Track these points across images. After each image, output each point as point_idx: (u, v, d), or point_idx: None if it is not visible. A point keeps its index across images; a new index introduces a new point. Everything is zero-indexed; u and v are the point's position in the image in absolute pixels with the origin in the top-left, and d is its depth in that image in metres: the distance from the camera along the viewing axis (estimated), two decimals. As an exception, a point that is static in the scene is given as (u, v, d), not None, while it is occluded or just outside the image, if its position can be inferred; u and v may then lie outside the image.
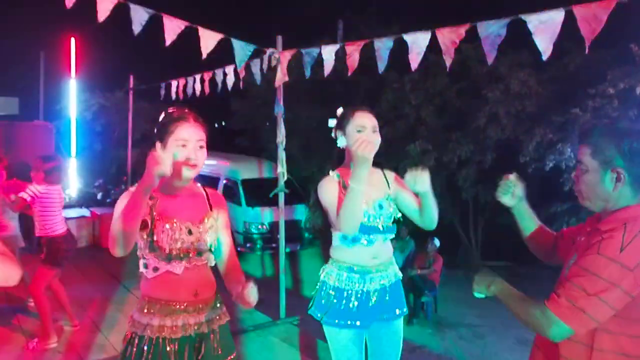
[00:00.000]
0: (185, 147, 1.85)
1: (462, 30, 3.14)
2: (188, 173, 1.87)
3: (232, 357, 2.03)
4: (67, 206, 10.75)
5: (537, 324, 1.56)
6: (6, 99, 19.40)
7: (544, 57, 2.83)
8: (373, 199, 2.34)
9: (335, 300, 2.33)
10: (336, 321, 2.31)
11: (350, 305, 2.31)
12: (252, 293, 1.76)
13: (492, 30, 2.99)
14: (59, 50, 14.52)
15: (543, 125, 8.63)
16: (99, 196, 14.22)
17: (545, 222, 2.05)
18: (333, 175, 2.36)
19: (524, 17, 2.90)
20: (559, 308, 1.51)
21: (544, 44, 2.82)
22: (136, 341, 1.88)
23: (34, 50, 17.04)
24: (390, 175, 2.50)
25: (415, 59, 3.40)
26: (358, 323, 2.32)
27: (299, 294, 7.19)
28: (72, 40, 13.84)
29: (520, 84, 8.77)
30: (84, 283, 6.20)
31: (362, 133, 2.28)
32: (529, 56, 8.77)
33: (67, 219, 8.56)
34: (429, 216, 2.33)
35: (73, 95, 13.96)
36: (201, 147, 1.89)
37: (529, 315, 1.59)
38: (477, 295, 1.79)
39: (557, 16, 2.81)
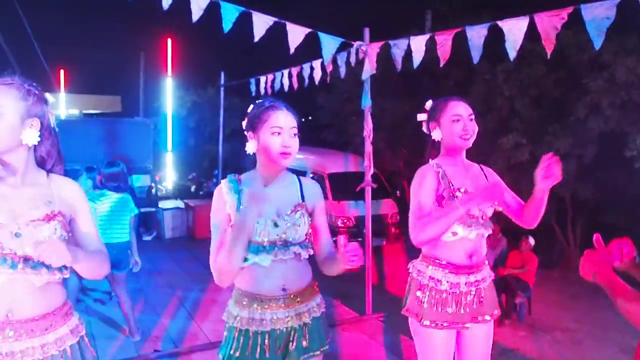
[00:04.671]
0: (279, 135, 1.84)
1: (564, 14, 2.92)
2: (282, 161, 1.87)
3: (323, 349, 2.00)
4: (163, 198, 11.37)
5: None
6: (110, 98, 20.84)
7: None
8: (474, 188, 2.22)
9: (427, 300, 2.23)
10: (428, 322, 2.21)
11: (444, 306, 2.21)
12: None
13: (598, 13, 2.75)
14: (157, 50, 15.35)
15: (653, 116, 7.95)
16: (192, 188, 14.88)
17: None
18: (432, 164, 2.27)
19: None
20: None
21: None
22: (228, 331, 1.93)
23: (135, 52, 18.10)
24: (489, 170, 2.39)
25: (512, 47, 3.21)
26: (451, 324, 2.22)
27: (384, 289, 7.11)
28: (169, 41, 14.56)
29: (627, 71, 8.10)
30: (178, 272, 6.49)
31: (459, 123, 2.21)
32: (637, 41, 8.08)
33: (163, 210, 9.12)
34: (535, 215, 2.23)
35: (169, 92, 14.71)
36: (295, 134, 1.88)
37: (630, 307, 1.40)
38: None
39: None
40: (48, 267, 1.55)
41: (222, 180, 1.93)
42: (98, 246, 1.76)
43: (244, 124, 1.96)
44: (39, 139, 1.61)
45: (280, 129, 1.84)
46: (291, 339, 1.91)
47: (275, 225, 1.86)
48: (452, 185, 2.21)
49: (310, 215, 2.00)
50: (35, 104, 1.61)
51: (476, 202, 2.08)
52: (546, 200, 2.18)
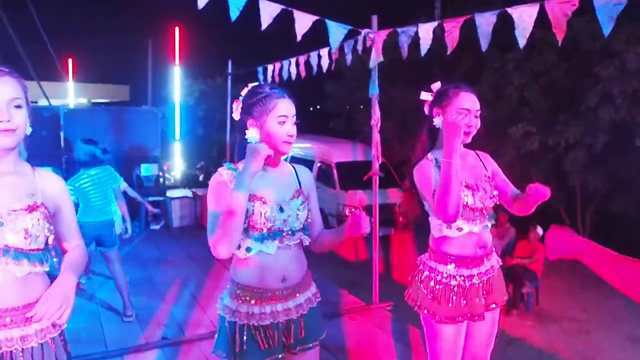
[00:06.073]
0: (284, 124, 1.84)
1: (575, 1, 2.87)
2: (287, 149, 1.87)
3: (320, 339, 2.01)
4: (172, 187, 11.40)
5: None
6: (118, 87, 20.90)
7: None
8: (476, 182, 2.22)
9: (439, 296, 2.22)
10: (439, 317, 2.21)
11: (456, 300, 2.20)
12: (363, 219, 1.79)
13: (610, -1, 2.70)
14: (165, 39, 15.30)
15: (665, 104, 7.85)
16: (201, 178, 14.90)
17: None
18: (431, 158, 2.25)
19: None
20: None
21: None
22: (226, 326, 1.92)
23: (143, 41, 18.07)
24: (485, 156, 2.37)
25: (522, 35, 3.16)
26: (465, 318, 2.22)
27: (391, 279, 7.11)
28: (176, 29, 14.51)
29: (638, 59, 7.98)
30: (186, 260, 6.52)
31: (465, 117, 2.17)
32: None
33: (171, 199, 9.15)
34: (523, 211, 2.25)
35: (177, 81, 14.66)
36: (295, 123, 1.89)
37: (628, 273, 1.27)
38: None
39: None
40: (29, 257, 1.54)
41: (219, 169, 1.91)
42: (78, 242, 1.79)
43: (235, 107, 1.93)
44: (30, 128, 1.61)
45: (285, 118, 1.84)
46: (290, 330, 1.91)
47: (281, 210, 1.86)
48: None
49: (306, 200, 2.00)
50: (27, 92, 1.61)
51: (452, 143, 2.04)
52: (535, 206, 2.18)
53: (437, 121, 2.24)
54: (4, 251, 1.50)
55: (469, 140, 2.22)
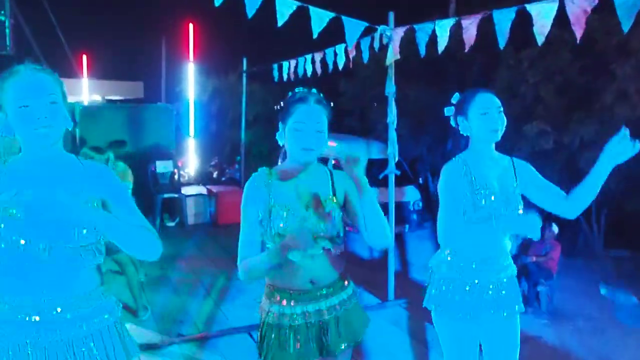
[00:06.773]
0: (302, 131, 1.80)
1: (595, -2, 2.85)
2: (304, 157, 1.84)
3: (356, 341, 2.00)
4: (186, 184, 11.45)
5: None
6: (133, 83, 20.99)
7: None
8: (501, 188, 2.21)
9: (448, 291, 2.22)
10: (449, 313, 2.21)
11: (465, 297, 2.20)
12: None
13: (631, -4, 2.67)
14: (179, 36, 15.38)
15: (682, 102, 7.74)
16: (215, 174, 14.94)
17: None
18: (458, 159, 2.25)
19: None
20: None
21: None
22: (263, 326, 1.93)
23: (157, 37, 18.15)
24: (521, 165, 2.33)
25: (540, 32, 3.14)
26: (473, 316, 2.20)
27: (407, 276, 7.09)
28: (190, 26, 14.57)
29: (655, 57, 7.89)
30: (201, 258, 6.55)
31: (487, 116, 2.18)
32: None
33: (186, 196, 9.19)
34: (586, 198, 2.26)
35: (191, 78, 14.72)
36: (319, 131, 1.82)
37: None
38: None
39: None
40: (80, 252, 1.57)
41: (254, 174, 1.92)
42: (140, 224, 1.69)
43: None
44: (72, 122, 1.62)
45: (303, 125, 1.81)
46: (324, 332, 1.90)
47: (304, 219, 1.84)
48: (475, 183, 2.19)
49: (346, 203, 1.96)
50: (62, 87, 1.63)
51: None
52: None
53: (464, 128, 2.26)
54: (51, 250, 1.54)
55: (498, 137, 2.22)
